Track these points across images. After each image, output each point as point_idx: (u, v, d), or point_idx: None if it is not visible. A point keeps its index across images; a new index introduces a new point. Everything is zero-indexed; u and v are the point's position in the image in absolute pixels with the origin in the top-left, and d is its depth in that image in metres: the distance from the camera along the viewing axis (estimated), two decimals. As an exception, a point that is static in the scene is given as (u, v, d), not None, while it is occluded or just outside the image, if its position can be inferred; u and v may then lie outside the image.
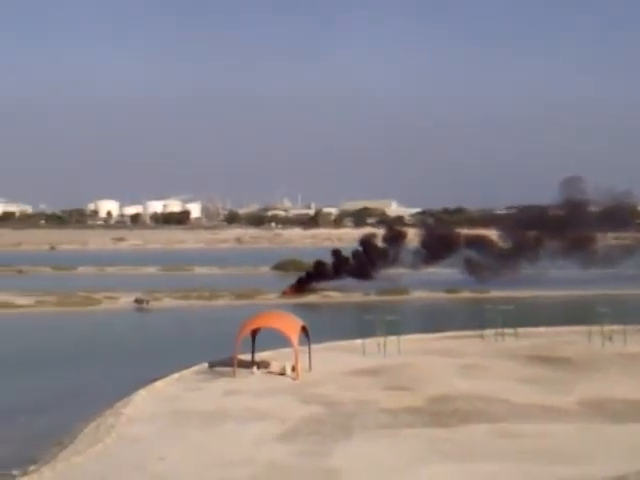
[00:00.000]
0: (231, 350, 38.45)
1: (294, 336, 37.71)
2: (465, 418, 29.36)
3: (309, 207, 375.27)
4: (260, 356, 41.12)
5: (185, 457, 24.91)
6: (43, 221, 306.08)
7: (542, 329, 52.05)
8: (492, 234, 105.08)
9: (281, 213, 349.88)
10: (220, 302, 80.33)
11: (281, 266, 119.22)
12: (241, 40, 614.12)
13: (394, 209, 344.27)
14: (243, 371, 38.35)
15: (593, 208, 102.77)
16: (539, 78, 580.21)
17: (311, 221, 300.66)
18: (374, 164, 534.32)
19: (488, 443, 26.15)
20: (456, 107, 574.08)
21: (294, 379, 36.98)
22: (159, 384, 36.53)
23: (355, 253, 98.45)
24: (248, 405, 31.81)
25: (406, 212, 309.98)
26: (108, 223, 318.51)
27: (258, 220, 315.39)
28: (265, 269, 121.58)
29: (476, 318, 53.32)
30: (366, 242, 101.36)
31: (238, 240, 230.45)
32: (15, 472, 22.36)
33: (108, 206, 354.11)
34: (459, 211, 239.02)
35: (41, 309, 73.89)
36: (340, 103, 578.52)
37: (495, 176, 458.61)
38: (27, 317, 69.50)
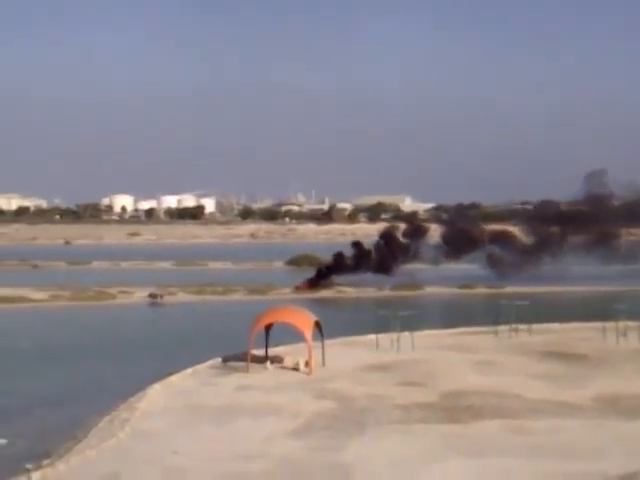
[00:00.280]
0: (245, 345, 38.54)
1: (308, 331, 37.73)
2: (478, 414, 29.31)
3: (323, 202, 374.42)
4: (274, 351, 41.21)
5: (198, 451, 24.98)
6: (58, 216, 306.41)
7: (556, 325, 51.87)
8: (512, 230, 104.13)
9: (295, 208, 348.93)
10: (234, 297, 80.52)
11: (295, 261, 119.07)
12: (255, 38, 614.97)
13: (408, 204, 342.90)
14: (257, 366, 38.39)
15: (615, 202, 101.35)
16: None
17: (325, 216, 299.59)
18: (388, 159, 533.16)
19: (501, 439, 26.10)
20: (474, 105, 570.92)
21: (307, 374, 37.04)
22: (173, 379, 36.65)
23: (377, 246, 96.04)
24: (262, 400, 31.88)
25: (420, 207, 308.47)
26: (122, 218, 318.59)
27: (272, 215, 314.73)
28: (279, 264, 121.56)
29: (491, 314, 53.20)
30: (387, 236, 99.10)
31: (252, 235, 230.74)
32: (29, 466, 22.42)
33: (122, 201, 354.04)
34: (474, 206, 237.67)
35: (56, 304, 74.19)
36: (354, 98, 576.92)
37: (506, 173, 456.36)
38: (42, 312, 69.78)
